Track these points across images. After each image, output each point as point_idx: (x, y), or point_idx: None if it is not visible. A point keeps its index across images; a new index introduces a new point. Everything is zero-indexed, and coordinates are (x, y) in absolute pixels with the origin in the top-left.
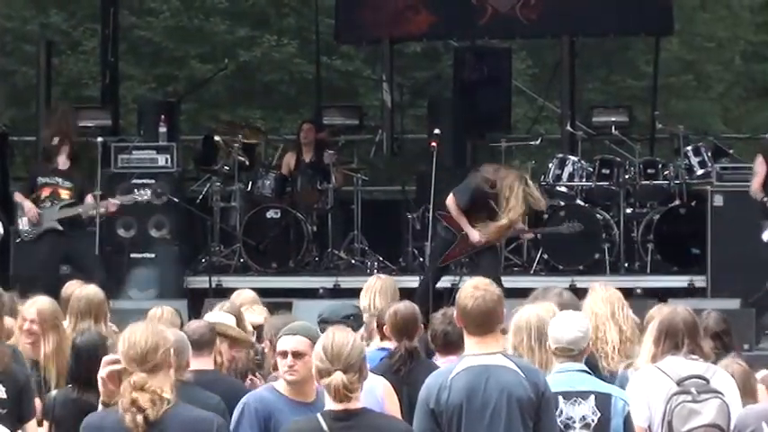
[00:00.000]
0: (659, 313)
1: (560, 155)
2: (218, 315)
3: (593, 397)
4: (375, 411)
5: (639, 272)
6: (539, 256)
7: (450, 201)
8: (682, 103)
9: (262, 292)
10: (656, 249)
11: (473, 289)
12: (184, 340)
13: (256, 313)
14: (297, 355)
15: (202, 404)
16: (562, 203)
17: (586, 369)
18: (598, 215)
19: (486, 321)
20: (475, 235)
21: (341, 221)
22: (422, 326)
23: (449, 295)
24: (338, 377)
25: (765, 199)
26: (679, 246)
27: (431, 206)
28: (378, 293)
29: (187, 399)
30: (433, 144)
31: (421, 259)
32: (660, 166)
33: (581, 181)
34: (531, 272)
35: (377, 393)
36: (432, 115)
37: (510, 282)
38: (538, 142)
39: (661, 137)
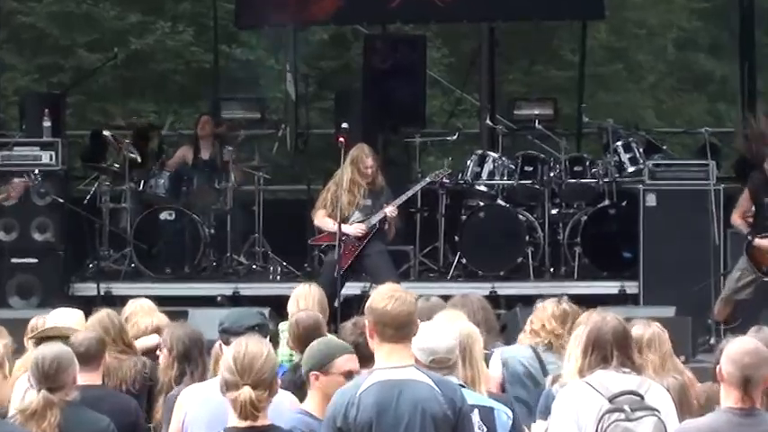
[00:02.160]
0: (586, 322)
1: (479, 151)
2: (60, 314)
3: (476, 411)
4: (283, 429)
5: (566, 277)
6: (456, 260)
7: (314, 216)
8: (610, 94)
9: (154, 300)
10: (584, 253)
11: (390, 291)
12: (68, 354)
13: (154, 321)
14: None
15: (90, 427)
16: (482, 203)
17: (462, 383)
18: (521, 216)
19: (405, 325)
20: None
21: (241, 223)
22: (326, 336)
23: (359, 304)
24: (246, 393)
25: (750, 238)
26: (609, 249)
27: (338, 205)
28: (306, 301)
29: (73, 422)
30: (341, 139)
31: None
32: (588, 163)
33: (502, 179)
34: (449, 278)
35: (283, 409)
36: (339, 108)
37: (425, 289)
38: (455, 137)
39: (589, 131)
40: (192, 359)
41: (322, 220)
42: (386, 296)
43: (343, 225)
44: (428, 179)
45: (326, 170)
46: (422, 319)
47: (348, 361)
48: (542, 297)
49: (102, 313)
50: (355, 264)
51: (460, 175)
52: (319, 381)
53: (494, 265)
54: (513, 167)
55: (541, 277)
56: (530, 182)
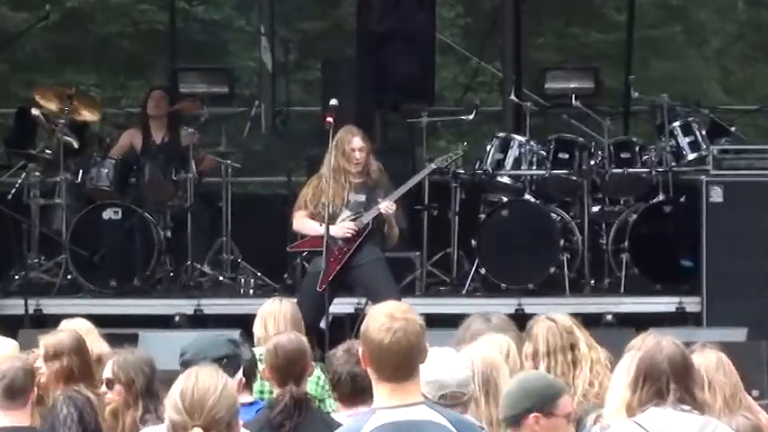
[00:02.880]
0: (637, 348)
1: (502, 134)
2: None
3: None
4: None
5: (610, 292)
6: (473, 270)
7: (293, 218)
8: (666, 63)
9: (96, 321)
10: (632, 261)
11: (387, 318)
12: None
13: (95, 348)
14: None
15: None
16: (505, 199)
17: (483, 425)
18: (554, 215)
19: (406, 363)
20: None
21: (204, 224)
22: (312, 365)
23: (352, 324)
24: None
25: None
26: (664, 256)
27: (327, 203)
28: (276, 321)
29: None
30: (329, 120)
31: None
32: (638, 148)
33: (531, 169)
34: (464, 292)
35: None
36: (327, 81)
37: (435, 306)
38: (471, 117)
39: (638, 109)
40: (154, 393)
41: (301, 221)
42: (382, 325)
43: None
44: (434, 165)
45: (311, 158)
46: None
47: (569, 400)
48: (581, 316)
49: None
50: (344, 275)
51: (479, 163)
52: (540, 424)
53: (520, 277)
54: (545, 154)
55: (580, 291)
56: (565, 172)
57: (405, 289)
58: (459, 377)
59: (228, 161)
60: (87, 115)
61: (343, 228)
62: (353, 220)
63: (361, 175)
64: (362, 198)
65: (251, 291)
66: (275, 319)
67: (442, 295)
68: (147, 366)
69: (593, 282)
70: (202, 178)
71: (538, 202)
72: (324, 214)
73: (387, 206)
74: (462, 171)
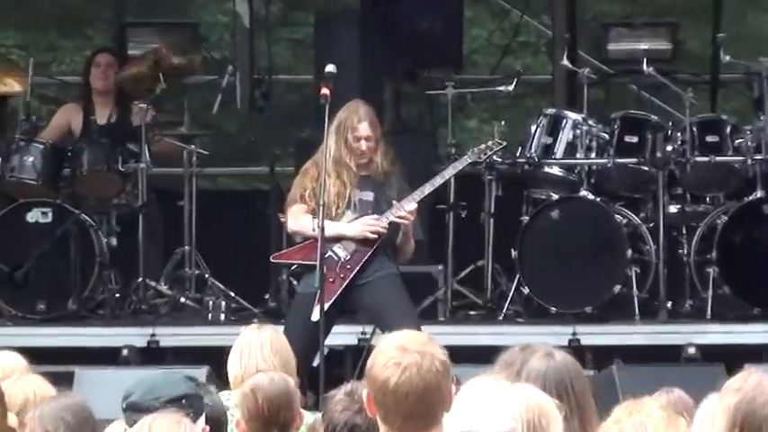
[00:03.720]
0: (732, 390)
1: (551, 110)
2: None
3: None
4: None
5: (693, 317)
6: (513, 288)
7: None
8: (764, 17)
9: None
10: (722, 277)
11: (398, 352)
12: None
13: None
14: None
15: None
16: (555, 196)
17: None
18: (619, 217)
19: (421, 409)
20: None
21: (161, 229)
22: (302, 414)
23: (355, 359)
24: None
25: None
26: (763, 270)
27: (322, 202)
28: (255, 355)
29: None
30: (325, 92)
31: None
32: (729, 129)
33: (589, 156)
34: (501, 318)
35: None
36: (321, 42)
37: (463, 335)
38: (511, 88)
39: (730, 77)
40: None
41: (302, 219)
42: (390, 360)
43: (336, 224)
44: (468, 158)
45: (301, 142)
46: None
47: None
48: (654, 349)
49: None
50: (346, 295)
51: (521, 149)
52: None
53: (575, 298)
54: (607, 137)
55: (653, 317)
56: (633, 161)
57: (424, 313)
58: (499, 428)
59: (193, 146)
60: (7, 86)
61: (364, 225)
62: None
63: (367, 167)
64: (370, 197)
65: (222, 316)
66: (254, 354)
67: (472, 322)
68: (73, 416)
69: (670, 304)
70: (158, 168)
71: (598, 200)
72: (330, 215)
73: (407, 212)
74: (499, 159)
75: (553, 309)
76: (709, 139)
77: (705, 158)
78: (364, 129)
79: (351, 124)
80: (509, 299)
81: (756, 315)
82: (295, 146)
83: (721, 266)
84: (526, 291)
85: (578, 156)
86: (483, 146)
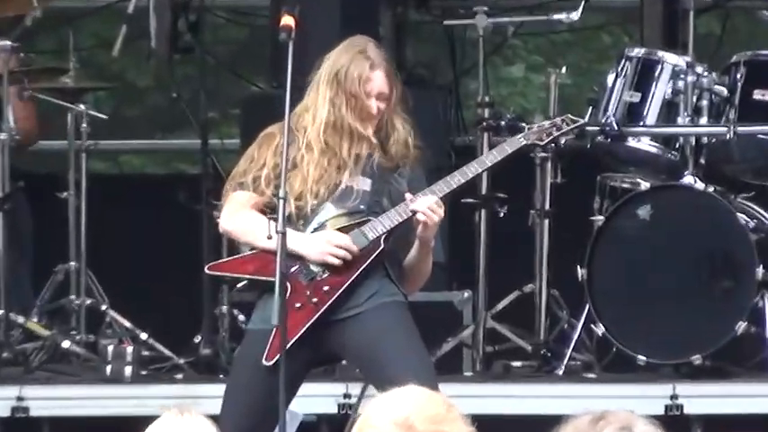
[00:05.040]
0: None
1: (639, 50)
2: None
3: None
4: None
5: None
6: (580, 328)
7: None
8: None
9: None
10: None
11: (397, 427)
12: None
13: None
14: None
15: None
16: (645, 184)
17: None
18: (745, 217)
19: None
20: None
21: (30, 235)
22: None
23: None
24: None
25: None
26: None
27: (282, 189)
28: None
29: None
30: (288, 22)
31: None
32: None
33: (698, 122)
34: (561, 372)
35: None
36: None
37: (502, 398)
38: (576, 17)
39: None
40: None
41: (245, 216)
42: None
43: (293, 234)
44: (522, 139)
45: (250, 100)
46: None
47: None
48: None
49: None
50: (321, 334)
51: (591, 112)
52: None
53: (675, 342)
54: (726, 93)
55: None
56: (765, 131)
57: (442, 364)
58: None
59: (82, 106)
60: None
61: (323, 246)
62: (347, 230)
63: (369, 142)
64: (366, 185)
65: (127, 371)
66: None
67: (516, 378)
68: None
69: None
70: (26, 145)
71: (711, 190)
72: (302, 209)
73: (426, 208)
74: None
75: (642, 358)
76: None
77: None
78: (379, 81)
79: (359, 72)
80: (573, 343)
81: None
82: (241, 106)
83: None
84: (600, 331)
85: (680, 121)
86: (547, 122)
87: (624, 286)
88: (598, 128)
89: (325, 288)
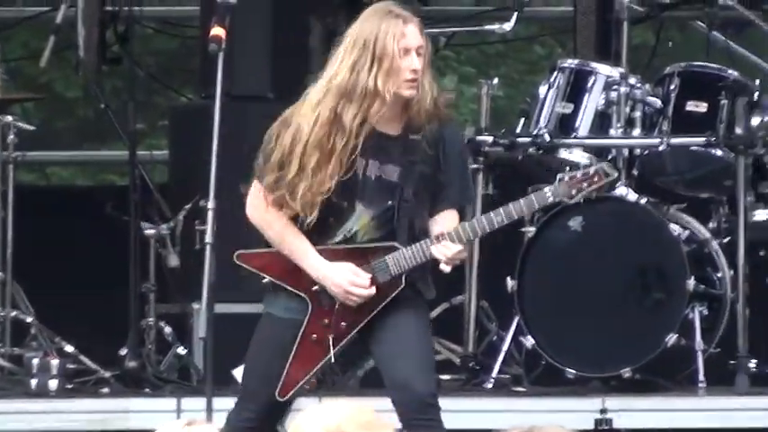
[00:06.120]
0: None
1: (571, 62)
2: None
3: None
4: None
5: None
6: (509, 340)
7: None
8: None
9: None
10: None
11: (335, 426)
12: None
13: None
14: None
15: None
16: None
17: None
18: (676, 228)
19: None
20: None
21: None
22: None
23: None
24: None
25: None
26: None
27: (210, 200)
28: None
29: None
30: (218, 32)
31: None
32: None
33: (631, 134)
34: (490, 385)
35: None
36: None
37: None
38: (509, 27)
39: None
40: None
41: (282, 230)
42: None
43: (316, 259)
44: (550, 195)
45: (180, 111)
46: None
47: None
48: None
49: None
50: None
51: (523, 123)
52: None
53: (605, 354)
54: (659, 104)
55: (727, 384)
56: (701, 140)
57: (368, 379)
58: None
59: (9, 118)
60: None
61: (345, 285)
62: (373, 253)
63: (399, 117)
64: (393, 174)
65: (53, 385)
66: None
67: (445, 392)
68: None
69: (753, 364)
70: None
71: (643, 201)
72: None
73: (448, 259)
74: (488, 137)
75: (571, 371)
76: None
77: None
78: (415, 34)
79: (393, 31)
80: (502, 356)
81: None
82: (170, 117)
83: None
84: (529, 343)
85: (613, 132)
86: (579, 174)
87: (554, 298)
88: (530, 139)
89: (343, 324)
